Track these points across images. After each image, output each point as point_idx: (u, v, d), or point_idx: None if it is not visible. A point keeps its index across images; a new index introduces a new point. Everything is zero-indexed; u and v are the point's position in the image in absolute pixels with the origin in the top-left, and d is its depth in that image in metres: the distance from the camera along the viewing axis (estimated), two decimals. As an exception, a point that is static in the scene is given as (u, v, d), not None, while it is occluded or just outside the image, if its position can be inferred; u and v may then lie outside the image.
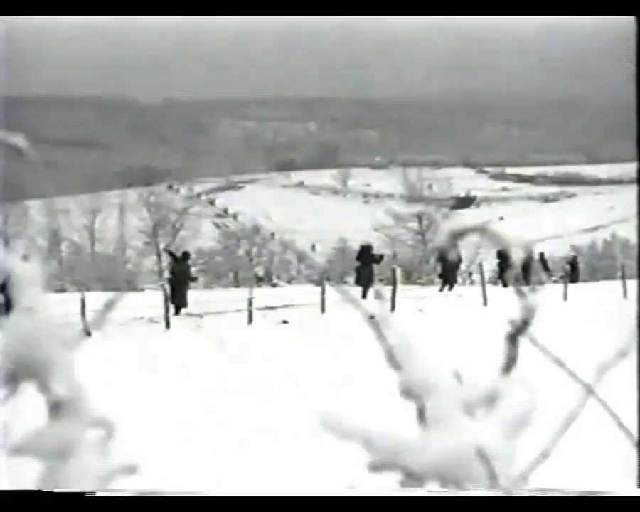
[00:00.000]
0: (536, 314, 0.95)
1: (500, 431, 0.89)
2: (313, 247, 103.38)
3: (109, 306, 0.81)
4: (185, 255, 23.84)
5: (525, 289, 0.97)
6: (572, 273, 34.58)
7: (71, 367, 0.83)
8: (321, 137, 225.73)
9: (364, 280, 24.25)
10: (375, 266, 25.40)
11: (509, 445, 0.89)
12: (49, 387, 0.82)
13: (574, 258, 36.58)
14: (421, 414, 0.89)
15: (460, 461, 0.85)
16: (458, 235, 1.00)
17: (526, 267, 1.02)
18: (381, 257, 26.59)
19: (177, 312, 21.73)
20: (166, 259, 58.42)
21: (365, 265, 25.22)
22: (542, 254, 36.28)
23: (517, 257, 0.98)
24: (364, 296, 22.60)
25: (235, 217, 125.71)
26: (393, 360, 0.91)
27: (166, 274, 22.74)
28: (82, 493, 0.85)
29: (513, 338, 0.96)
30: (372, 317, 0.93)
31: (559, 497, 0.94)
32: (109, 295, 0.83)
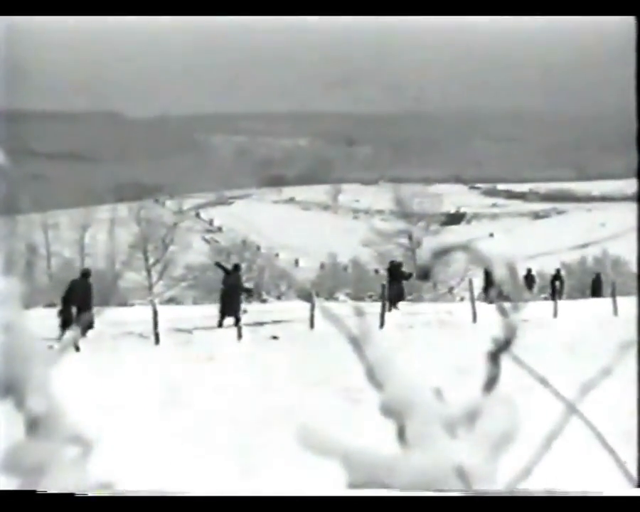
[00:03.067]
0: (518, 333, 0.94)
1: (480, 449, 0.89)
2: (296, 262, 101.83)
3: (84, 322, 0.80)
4: (236, 267, 24.12)
5: (507, 306, 0.96)
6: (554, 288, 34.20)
7: (48, 383, 0.83)
8: (313, 153, 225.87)
9: (393, 296, 25.06)
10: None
11: (490, 463, 0.89)
12: (26, 404, 0.81)
13: (558, 271, 36.71)
14: (401, 432, 0.88)
15: (439, 479, 0.84)
16: (441, 253, 1.00)
17: (513, 283, 1.01)
18: (410, 274, 27.70)
19: (236, 323, 21.65)
20: (155, 275, 58.27)
21: (394, 281, 26.27)
22: (529, 271, 36.36)
23: (500, 274, 0.98)
24: (390, 309, 23.70)
25: (220, 229, 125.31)
26: (374, 378, 0.90)
27: (156, 290, 22.70)
28: (72, 494, 0.84)
29: (494, 357, 0.95)
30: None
31: (559, 497, 0.93)
32: (97, 310, 0.82)
